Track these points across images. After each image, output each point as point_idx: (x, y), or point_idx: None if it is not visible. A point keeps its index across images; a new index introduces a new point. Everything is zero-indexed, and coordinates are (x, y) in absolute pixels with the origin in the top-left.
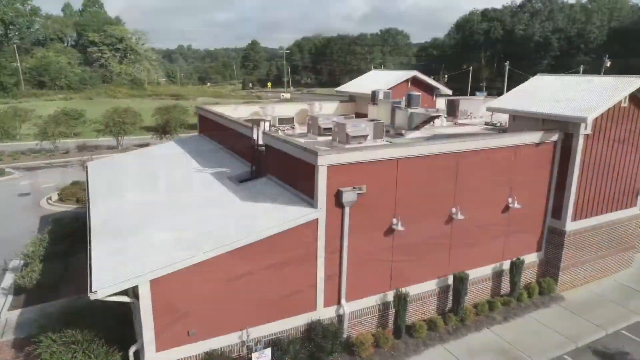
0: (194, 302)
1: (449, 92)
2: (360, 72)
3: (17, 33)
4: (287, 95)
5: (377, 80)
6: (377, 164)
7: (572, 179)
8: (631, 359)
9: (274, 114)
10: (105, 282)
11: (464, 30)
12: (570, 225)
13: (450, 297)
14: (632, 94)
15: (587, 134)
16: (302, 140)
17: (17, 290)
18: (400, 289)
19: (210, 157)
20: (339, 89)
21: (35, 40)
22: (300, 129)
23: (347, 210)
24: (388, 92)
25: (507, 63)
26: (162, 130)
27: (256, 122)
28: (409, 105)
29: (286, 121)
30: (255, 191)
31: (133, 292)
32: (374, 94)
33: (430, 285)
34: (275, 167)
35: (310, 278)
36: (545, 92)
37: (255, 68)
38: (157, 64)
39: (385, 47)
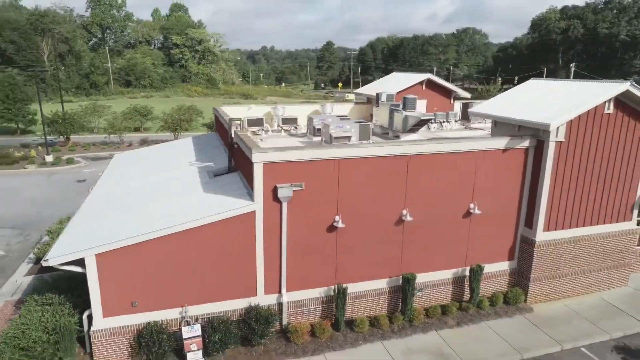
0: (137, 277)
1: (468, 95)
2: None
3: (112, 37)
4: (351, 96)
5: (396, 82)
6: (317, 163)
7: (543, 187)
8: None
9: (284, 114)
10: (60, 252)
11: (540, 29)
12: (542, 235)
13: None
14: (621, 101)
15: (560, 142)
16: (297, 140)
17: (37, 260)
18: (341, 284)
19: (208, 153)
20: (358, 90)
21: (126, 43)
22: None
23: (284, 205)
24: (391, 94)
25: (572, 65)
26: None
27: (232, 121)
28: (404, 107)
29: (290, 121)
30: (220, 184)
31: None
32: (378, 96)
33: (381, 284)
34: (238, 163)
35: (250, 266)
36: (529, 97)
37: (329, 69)
38: (232, 64)
39: (461, 47)
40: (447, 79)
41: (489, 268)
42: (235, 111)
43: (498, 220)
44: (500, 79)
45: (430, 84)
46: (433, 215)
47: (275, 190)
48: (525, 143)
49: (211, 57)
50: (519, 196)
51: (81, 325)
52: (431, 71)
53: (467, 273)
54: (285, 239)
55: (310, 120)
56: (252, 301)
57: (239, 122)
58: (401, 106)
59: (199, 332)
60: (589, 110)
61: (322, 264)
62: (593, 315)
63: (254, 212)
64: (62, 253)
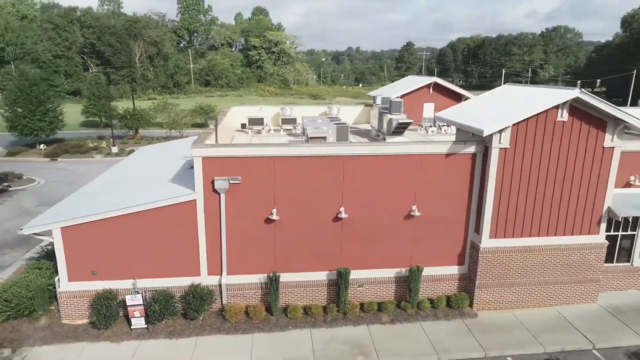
0: (96, 249)
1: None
2: (515, 74)
3: (198, 39)
4: None
5: (404, 86)
6: (253, 159)
7: (487, 193)
8: None
9: (289, 115)
10: (34, 224)
11: (631, 28)
12: (488, 242)
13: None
14: (578, 109)
15: (505, 148)
16: (291, 138)
17: None
18: (275, 273)
19: None
20: (371, 93)
21: (210, 46)
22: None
23: (222, 196)
24: (386, 98)
25: None
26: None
27: (207, 119)
28: (390, 111)
29: (290, 122)
30: (188, 175)
31: None
32: (374, 99)
33: (319, 276)
34: None
35: (194, 249)
36: (492, 103)
37: (408, 69)
38: (307, 65)
39: (550, 46)
40: (532, 82)
41: (436, 271)
42: (250, 111)
43: (445, 224)
44: (598, 81)
45: (437, 87)
46: (372, 215)
47: (213, 182)
48: (472, 149)
49: (286, 58)
50: (467, 201)
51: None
52: (516, 74)
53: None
54: (225, 227)
55: (303, 122)
56: (196, 280)
57: (213, 119)
58: (388, 109)
59: (141, 302)
60: (537, 117)
61: (261, 252)
62: (538, 328)
63: (194, 200)
64: (35, 224)
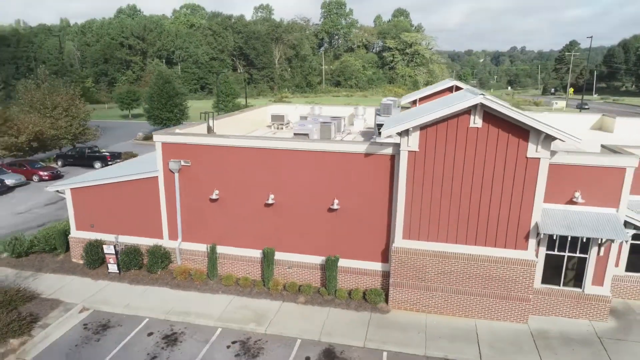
0: (93, 208)
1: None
2: None
3: (338, 41)
4: (561, 104)
5: (432, 89)
6: (201, 147)
7: (398, 194)
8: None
9: (320, 113)
10: (55, 186)
11: None
12: (401, 242)
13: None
14: (494, 116)
15: (414, 151)
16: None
17: None
18: (214, 245)
19: None
20: (406, 95)
21: (347, 48)
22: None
23: (176, 175)
24: (387, 102)
25: None
26: None
27: (201, 114)
28: (381, 113)
29: (278, 119)
30: None
31: None
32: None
33: (253, 253)
34: None
35: (158, 217)
36: (427, 106)
37: (570, 71)
38: (445, 66)
39: None
40: None
41: (359, 264)
42: (283, 109)
43: (368, 221)
44: None
45: (458, 90)
46: (299, 204)
47: (168, 163)
48: (389, 150)
49: (419, 59)
50: (388, 201)
51: None
52: None
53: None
54: (179, 201)
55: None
56: (159, 242)
57: (205, 113)
58: (380, 112)
59: (114, 252)
60: (448, 123)
61: (207, 225)
62: (438, 334)
63: (157, 177)
64: (55, 186)
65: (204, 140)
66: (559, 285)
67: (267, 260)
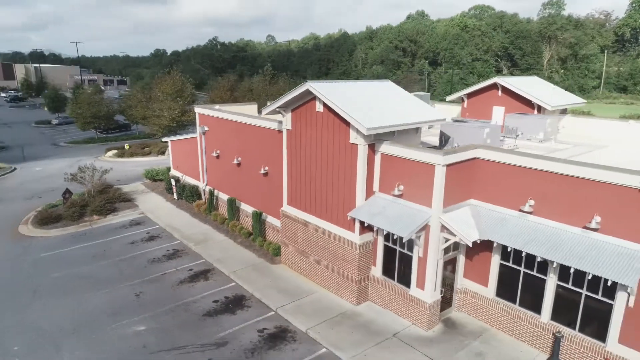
0: (177, 155)
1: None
2: None
3: None
4: None
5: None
6: (211, 118)
7: (284, 166)
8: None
9: None
10: (165, 139)
11: None
12: (286, 207)
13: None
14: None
15: (289, 130)
16: None
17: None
18: (214, 189)
19: None
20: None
21: None
22: None
23: (202, 137)
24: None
25: None
26: None
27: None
28: None
29: None
30: None
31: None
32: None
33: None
34: None
35: (198, 165)
36: None
37: None
38: None
39: None
40: None
41: (275, 222)
42: None
43: (279, 185)
44: None
45: (505, 90)
46: (251, 166)
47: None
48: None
49: None
50: None
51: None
52: None
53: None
54: (205, 155)
55: None
56: (198, 183)
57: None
58: None
59: (174, 185)
60: (305, 106)
61: (213, 175)
62: (285, 288)
63: (198, 136)
64: (165, 139)
65: (210, 112)
66: (394, 280)
67: (231, 207)
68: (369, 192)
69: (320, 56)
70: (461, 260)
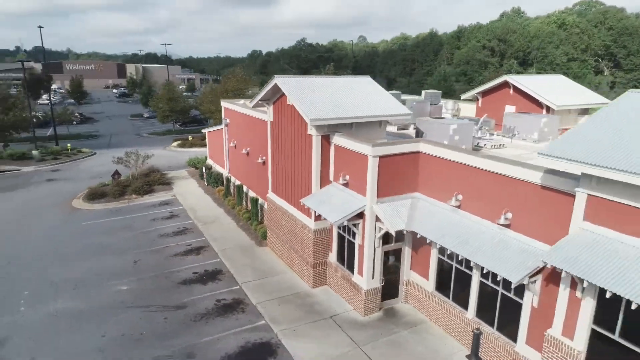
0: (211, 145)
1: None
2: None
3: None
4: None
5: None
6: (229, 111)
7: (269, 155)
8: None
9: None
10: (204, 130)
11: None
12: (270, 194)
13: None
14: None
15: (272, 121)
16: None
17: None
18: (230, 176)
19: None
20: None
21: None
22: None
23: (226, 128)
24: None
25: None
26: None
27: None
28: None
29: None
30: None
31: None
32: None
33: (238, 184)
34: None
35: (223, 154)
36: None
37: None
38: None
39: None
40: None
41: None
42: None
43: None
44: None
45: (515, 89)
46: (253, 157)
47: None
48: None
49: None
50: None
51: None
52: None
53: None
54: (227, 145)
55: None
56: (223, 171)
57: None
58: None
59: (205, 172)
60: (280, 99)
61: (231, 163)
62: (262, 269)
63: (223, 128)
64: (204, 130)
65: (230, 106)
66: (344, 266)
67: (239, 193)
68: (325, 181)
69: (405, 56)
70: (407, 252)
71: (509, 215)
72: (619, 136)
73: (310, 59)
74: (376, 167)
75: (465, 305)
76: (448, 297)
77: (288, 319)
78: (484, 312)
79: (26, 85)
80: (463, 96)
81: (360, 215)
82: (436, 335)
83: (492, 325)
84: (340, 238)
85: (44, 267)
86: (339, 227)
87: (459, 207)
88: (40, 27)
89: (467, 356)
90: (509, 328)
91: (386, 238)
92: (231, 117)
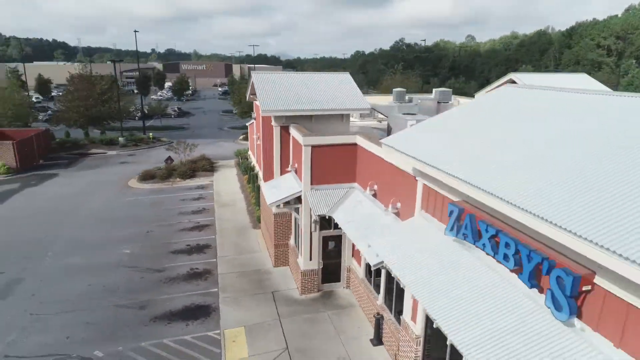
0: (251, 138)
1: None
2: None
3: None
4: None
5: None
6: (256, 105)
7: (274, 152)
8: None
9: None
10: (248, 122)
11: None
12: (260, 180)
13: None
14: None
15: (259, 112)
16: None
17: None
18: (254, 165)
19: None
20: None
21: None
22: None
23: (254, 122)
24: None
25: None
26: None
27: None
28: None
29: None
30: None
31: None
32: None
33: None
34: None
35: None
36: None
37: None
38: None
39: None
40: None
41: None
42: None
43: None
44: None
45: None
46: (260, 147)
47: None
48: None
49: None
50: None
51: None
52: None
53: None
54: (253, 134)
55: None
56: (253, 159)
57: None
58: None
59: (240, 161)
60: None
61: (258, 154)
62: (240, 245)
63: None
64: (248, 123)
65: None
66: (298, 249)
67: (253, 180)
68: (286, 168)
69: (508, 56)
70: (347, 239)
71: (398, 204)
72: (451, 135)
73: (407, 59)
74: (309, 156)
75: (379, 291)
76: (370, 283)
77: (235, 289)
78: (387, 297)
79: (136, 83)
80: (476, 95)
81: (297, 199)
82: (356, 319)
83: (390, 310)
84: (296, 223)
85: (77, 231)
86: (295, 212)
87: (374, 195)
88: (135, 31)
89: (370, 340)
90: (400, 311)
91: (330, 224)
92: (256, 110)
